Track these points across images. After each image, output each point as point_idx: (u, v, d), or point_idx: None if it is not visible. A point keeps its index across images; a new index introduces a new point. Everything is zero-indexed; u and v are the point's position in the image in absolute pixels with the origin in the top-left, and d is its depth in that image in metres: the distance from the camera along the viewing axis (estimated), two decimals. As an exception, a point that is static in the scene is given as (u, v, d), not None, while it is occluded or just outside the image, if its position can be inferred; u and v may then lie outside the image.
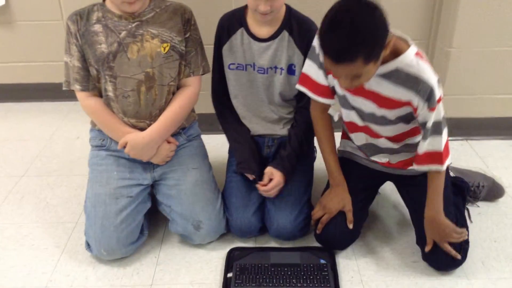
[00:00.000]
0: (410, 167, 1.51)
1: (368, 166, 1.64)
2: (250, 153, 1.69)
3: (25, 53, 2.56)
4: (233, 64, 1.67)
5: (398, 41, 1.32)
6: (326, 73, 1.48)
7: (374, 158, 1.59)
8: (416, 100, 1.35)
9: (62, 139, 2.35)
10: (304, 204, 1.65)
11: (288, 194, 1.65)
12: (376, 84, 1.37)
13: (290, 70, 1.63)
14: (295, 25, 1.60)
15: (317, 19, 1.63)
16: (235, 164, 1.71)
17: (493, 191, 1.84)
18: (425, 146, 1.40)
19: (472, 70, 2.14)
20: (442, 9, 2.10)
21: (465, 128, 2.26)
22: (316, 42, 1.47)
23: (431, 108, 1.34)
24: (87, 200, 1.61)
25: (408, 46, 1.33)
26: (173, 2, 1.62)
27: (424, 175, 1.49)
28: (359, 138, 1.58)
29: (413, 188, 1.59)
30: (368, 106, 1.44)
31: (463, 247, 1.50)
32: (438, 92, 1.33)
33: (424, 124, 1.38)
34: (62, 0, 2.42)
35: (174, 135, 1.68)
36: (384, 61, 1.31)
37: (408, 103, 1.37)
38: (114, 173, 1.61)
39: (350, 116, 1.53)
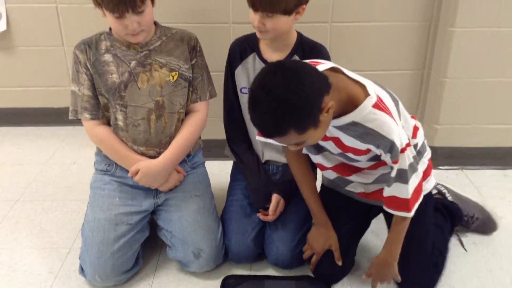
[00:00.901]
0: None
1: (350, 196, 1.60)
2: (263, 182, 1.69)
3: (24, 78, 2.58)
4: (245, 88, 1.68)
5: (354, 90, 1.24)
6: None
7: (348, 188, 1.57)
8: (377, 151, 1.29)
9: (58, 164, 2.35)
10: (304, 234, 1.64)
11: (289, 222, 1.65)
12: (336, 132, 1.31)
13: None
14: (307, 50, 1.62)
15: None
16: (251, 197, 1.71)
17: (485, 225, 1.81)
18: (389, 190, 1.34)
19: (466, 100, 2.16)
20: (436, 39, 2.14)
21: (460, 157, 2.27)
22: None
23: (394, 161, 1.28)
24: (86, 224, 1.60)
25: (366, 95, 1.23)
26: (178, 29, 1.65)
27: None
28: (329, 175, 1.56)
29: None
30: (335, 148, 1.39)
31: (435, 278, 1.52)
32: (401, 143, 1.25)
33: (390, 168, 1.32)
34: (63, 26, 2.45)
35: (180, 162, 1.68)
36: (339, 114, 1.23)
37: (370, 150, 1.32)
38: (116, 199, 1.61)
39: (316, 159, 1.51)
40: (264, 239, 1.67)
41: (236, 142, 1.77)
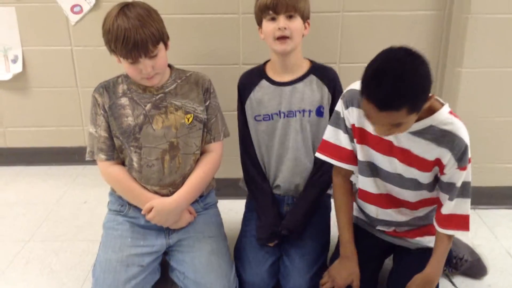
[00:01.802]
0: (419, 238, 1.51)
1: (376, 235, 1.63)
2: (271, 222, 1.69)
3: (38, 118, 2.62)
4: (259, 115, 1.71)
5: (431, 100, 1.31)
6: (353, 138, 1.48)
7: (380, 228, 1.59)
8: (447, 157, 1.33)
9: (69, 203, 2.36)
10: (321, 266, 1.63)
11: (306, 253, 1.64)
12: (407, 142, 1.37)
13: (319, 112, 1.67)
14: (321, 71, 1.69)
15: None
16: (256, 233, 1.71)
17: (475, 269, 1.78)
18: (451, 207, 1.38)
19: (475, 139, 2.12)
20: (444, 80, 2.16)
21: (472, 197, 2.24)
22: (340, 108, 1.48)
23: (462, 167, 1.33)
24: (97, 264, 1.59)
25: (442, 104, 1.34)
26: (192, 72, 1.68)
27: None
28: (368, 209, 1.58)
29: (409, 260, 1.57)
30: (395, 166, 1.42)
31: None
32: (469, 153, 1.33)
33: (449, 185, 1.37)
34: (77, 68, 2.51)
35: (192, 203, 1.68)
36: (419, 118, 1.30)
37: (437, 162, 1.36)
38: (129, 240, 1.60)
39: (365, 183, 1.52)
40: (280, 270, 1.66)
41: (251, 174, 1.76)
